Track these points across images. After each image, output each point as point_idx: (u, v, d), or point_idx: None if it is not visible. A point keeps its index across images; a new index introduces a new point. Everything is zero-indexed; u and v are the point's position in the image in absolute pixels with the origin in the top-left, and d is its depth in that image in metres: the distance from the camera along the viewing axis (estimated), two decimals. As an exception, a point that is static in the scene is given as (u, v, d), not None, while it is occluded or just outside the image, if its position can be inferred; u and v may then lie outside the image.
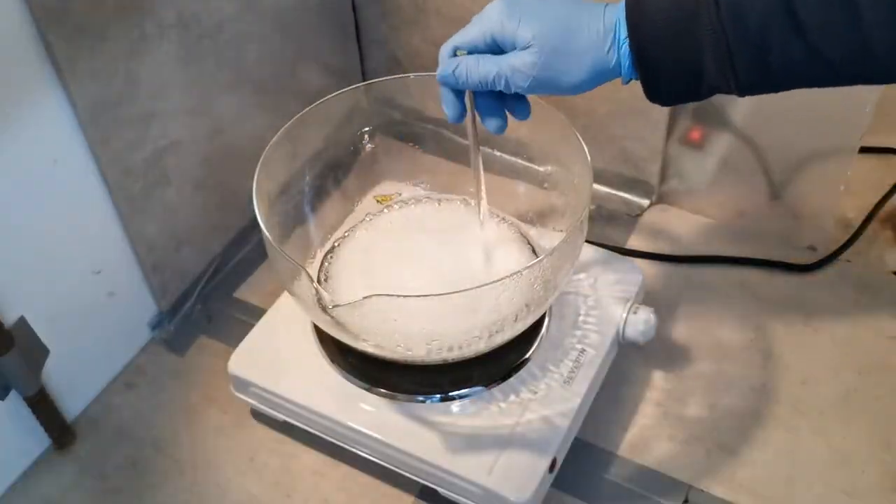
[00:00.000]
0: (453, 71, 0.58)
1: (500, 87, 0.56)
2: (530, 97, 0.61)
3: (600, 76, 0.55)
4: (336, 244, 0.77)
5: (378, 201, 0.81)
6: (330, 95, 0.72)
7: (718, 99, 0.86)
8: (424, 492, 0.71)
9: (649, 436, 0.75)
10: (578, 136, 0.67)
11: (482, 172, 0.67)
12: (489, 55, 0.57)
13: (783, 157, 0.87)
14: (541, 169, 0.77)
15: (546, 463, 0.65)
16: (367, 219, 0.79)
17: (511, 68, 0.55)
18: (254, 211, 0.65)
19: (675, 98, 0.54)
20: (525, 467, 0.65)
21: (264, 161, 0.68)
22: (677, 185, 0.95)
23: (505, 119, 0.61)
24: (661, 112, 0.87)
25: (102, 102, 0.69)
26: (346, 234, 0.78)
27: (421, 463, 0.67)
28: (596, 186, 0.96)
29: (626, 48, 0.53)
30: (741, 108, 0.86)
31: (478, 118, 0.62)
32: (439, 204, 0.81)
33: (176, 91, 0.76)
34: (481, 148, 0.65)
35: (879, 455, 0.73)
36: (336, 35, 0.97)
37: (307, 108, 0.72)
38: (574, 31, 0.54)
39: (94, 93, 0.68)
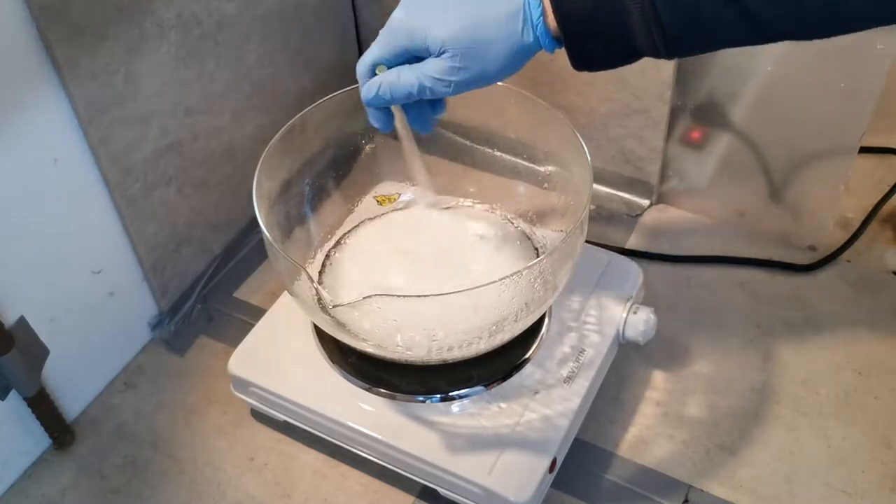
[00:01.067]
0: (377, 92, 0.58)
1: (426, 96, 0.56)
2: (530, 97, 0.61)
3: (521, 58, 0.55)
4: (336, 244, 0.77)
5: (378, 201, 0.81)
6: (330, 95, 0.72)
7: (718, 99, 0.86)
8: (424, 492, 0.71)
9: (649, 436, 0.75)
10: (578, 136, 0.67)
11: (419, 157, 0.69)
12: (407, 66, 0.57)
13: (783, 157, 0.87)
14: (541, 169, 0.76)
15: (546, 463, 0.65)
16: (368, 219, 0.79)
17: (431, 79, 0.55)
18: (254, 211, 0.65)
19: (601, 66, 0.54)
20: (525, 467, 0.65)
21: (264, 161, 0.68)
22: (677, 185, 0.95)
23: (429, 120, 0.63)
24: (661, 112, 0.87)
25: (102, 102, 0.69)
26: (346, 235, 0.78)
27: (421, 463, 0.66)
28: (596, 186, 0.96)
29: (541, 27, 0.52)
30: (741, 108, 0.86)
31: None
32: (439, 204, 0.81)
33: (176, 91, 0.76)
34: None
35: (879, 455, 0.73)
36: (336, 35, 0.97)
37: (307, 108, 0.72)
38: (483, 24, 0.53)
39: (94, 93, 0.68)
